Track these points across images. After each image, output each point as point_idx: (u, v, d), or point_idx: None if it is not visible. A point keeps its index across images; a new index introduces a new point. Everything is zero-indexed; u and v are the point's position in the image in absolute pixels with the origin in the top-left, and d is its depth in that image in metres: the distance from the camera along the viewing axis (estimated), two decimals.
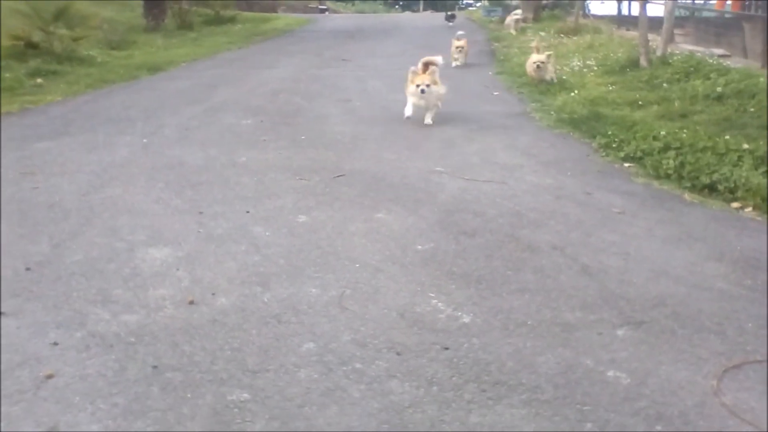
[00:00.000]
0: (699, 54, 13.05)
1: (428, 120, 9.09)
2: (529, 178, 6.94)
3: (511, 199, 6.24)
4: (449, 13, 29.86)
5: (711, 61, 12.07)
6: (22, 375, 3.39)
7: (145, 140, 8.23)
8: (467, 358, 3.65)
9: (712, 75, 10.83)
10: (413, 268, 4.76)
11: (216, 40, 20.10)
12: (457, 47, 15.48)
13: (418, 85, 8.85)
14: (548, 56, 12.24)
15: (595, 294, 4.45)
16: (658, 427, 3.15)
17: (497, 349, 3.76)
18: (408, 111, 9.07)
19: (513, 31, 20.72)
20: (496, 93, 11.90)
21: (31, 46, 13.53)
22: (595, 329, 4.00)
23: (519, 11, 20.70)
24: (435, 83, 8.99)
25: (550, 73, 12.18)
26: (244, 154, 7.60)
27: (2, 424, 3.02)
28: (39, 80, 11.95)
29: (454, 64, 15.09)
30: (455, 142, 8.36)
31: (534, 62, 12.10)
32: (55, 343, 3.68)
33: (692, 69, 11.46)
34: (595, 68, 13.34)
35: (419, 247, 5.12)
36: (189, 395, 3.23)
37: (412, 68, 9.11)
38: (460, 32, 16.24)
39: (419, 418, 3.10)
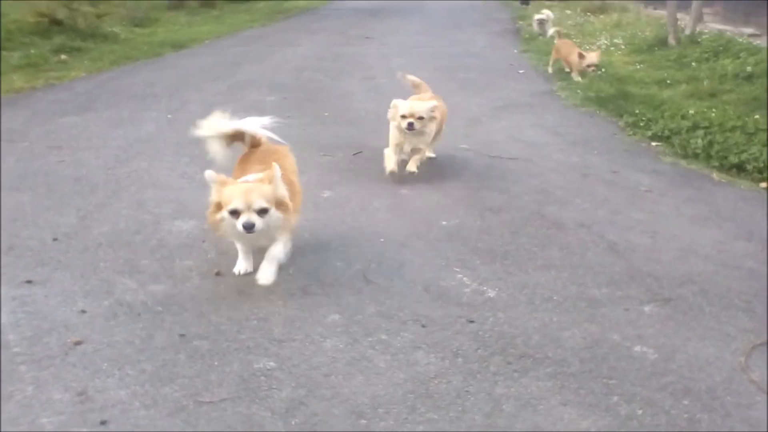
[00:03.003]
0: (728, 33, 12.82)
1: (412, 167, 5.94)
2: (556, 156, 6.87)
3: (537, 176, 6.19)
4: None
5: (740, 40, 11.86)
6: (51, 341, 3.43)
7: (169, 116, 8.25)
8: (492, 331, 3.64)
9: (741, 54, 10.64)
10: (438, 243, 4.75)
11: (239, 18, 20.06)
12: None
13: (403, 116, 5.73)
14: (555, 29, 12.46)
15: (622, 271, 4.41)
16: (686, 402, 3.13)
17: (523, 323, 3.74)
18: (389, 163, 5.96)
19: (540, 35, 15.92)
20: (521, 71, 11.78)
21: (56, 22, 13.58)
22: (621, 305, 3.97)
23: (545, 11, 16.11)
24: (431, 117, 5.83)
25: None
26: (268, 130, 7.57)
27: (30, 389, 3.06)
28: (63, 57, 12.00)
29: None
30: (480, 120, 8.30)
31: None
32: (83, 311, 3.71)
33: (721, 48, 11.26)
34: (623, 47, 13.16)
35: (444, 222, 5.10)
36: (216, 363, 3.25)
37: (395, 101, 5.87)
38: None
39: (445, 389, 3.10)
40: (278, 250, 3.98)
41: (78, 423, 2.85)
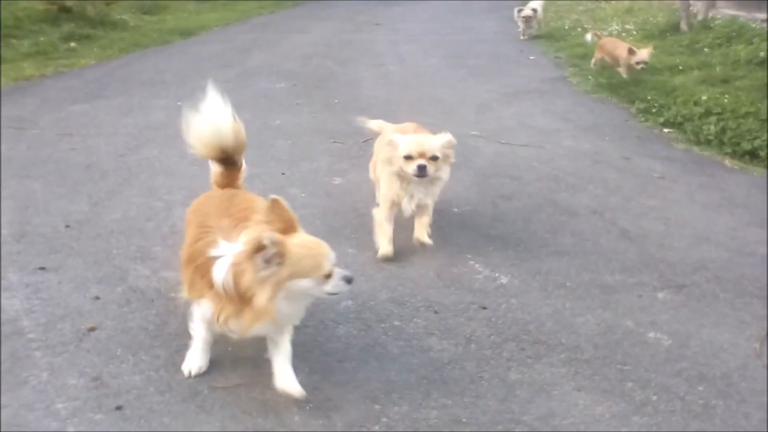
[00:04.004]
0: (741, 18, 12.68)
1: (423, 235, 4.29)
2: (567, 142, 6.84)
3: (548, 163, 6.16)
4: None
5: (754, 25, 11.71)
6: (65, 327, 3.44)
7: (179, 103, 8.22)
8: (505, 317, 3.63)
9: (754, 40, 10.52)
10: (450, 230, 4.73)
11: (247, 5, 19.98)
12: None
13: (409, 157, 4.08)
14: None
15: (635, 257, 4.39)
16: (701, 388, 3.12)
17: (536, 309, 3.73)
18: (383, 242, 4.29)
19: (524, 35, 13.78)
20: (532, 57, 11.70)
21: (65, 10, 13.55)
22: (635, 292, 3.96)
23: (533, 3, 13.59)
24: (447, 156, 4.24)
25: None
26: (278, 118, 7.58)
27: (45, 374, 3.08)
28: (73, 44, 11.99)
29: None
30: (491, 106, 8.25)
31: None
32: (97, 298, 3.72)
33: (734, 34, 11.14)
34: (635, 33, 13.04)
35: (456, 210, 5.08)
36: (230, 348, 3.25)
37: (393, 136, 4.22)
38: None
39: (458, 374, 3.10)
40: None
41: (93, 408, 2.87)
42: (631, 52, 9.36)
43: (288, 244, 2.58)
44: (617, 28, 13.52)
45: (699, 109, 7.42)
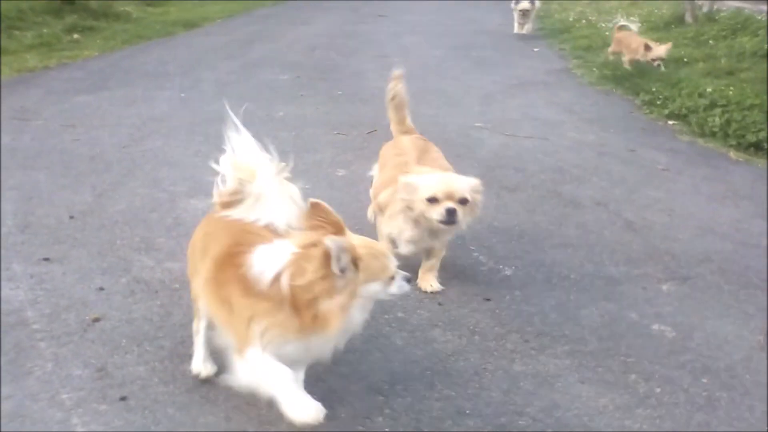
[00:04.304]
0: (746, 11, 12.63)
1: (432, 281, 3.79)
2: (571, 134, 6.82)
3: (552, 154, 6.15)
4: None
5: (759, 17, 11.67)
6: (69, 318, 3.44)
7: (183, 95, 8.23)
8: (509, 309, 3.63)
9: (760, 32, 10.49)
10: None
11: None
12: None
13: (433, 200, 3.48)
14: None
15: (640, 249, 4.39)
16: (704, 380, 3.11)
17: (540, 301, 3.73)
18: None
19: (521, 29, 13.03)
20: (536, 49, 11.68)
21: (68, 1, 13.54)
22: (639, 284, 3.95)
23: None
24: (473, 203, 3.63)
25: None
26: (282, 109, 7.57)
27: (50, 365, 3.08)
28: (76, 36, 11.98)
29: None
30: (495, 98, 8.24)
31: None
32: (101, 288, 3.72)
33: (739, 26, 11.11)
34: (639, 25, 12.99)
35: None
36: None
37: (409, 179, 3.62)
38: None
39: (462, 366, 3.09)
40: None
41: (97, 399, 2.87)
42: (647, 48, 9.17)
43: (358, 248, 2.40)
44: (622, 20, 13.47)
45: (704, 101, 7.41)
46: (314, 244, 2.34)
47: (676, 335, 3.45)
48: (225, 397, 2.88)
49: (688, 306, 3.73)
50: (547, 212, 4.91)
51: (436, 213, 3.44)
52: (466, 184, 3.54)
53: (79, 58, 10.47)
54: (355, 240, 2.48)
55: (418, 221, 3.58)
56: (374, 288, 2.45)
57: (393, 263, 2.50)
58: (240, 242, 2.54)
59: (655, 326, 3.52)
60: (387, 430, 2.76)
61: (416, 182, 3.54)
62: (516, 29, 12.89)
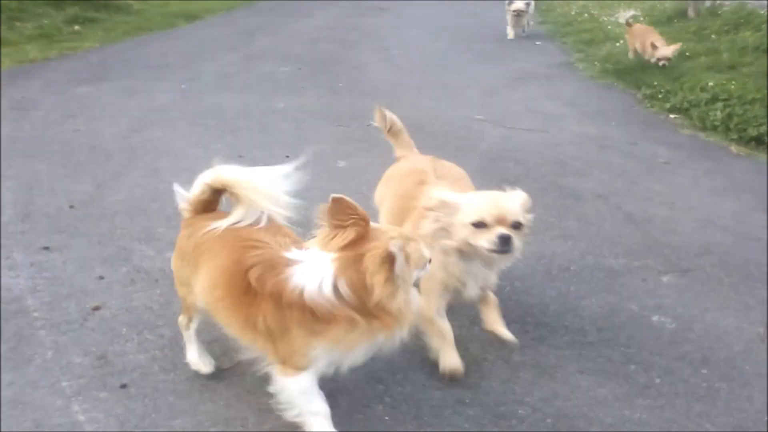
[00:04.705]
0: (749, 5, 12.59)
1: (505, 330, 3.12)
2: (573, 127, 6.82)
3: (554, 147, 6.14)
4: None
5: (762, 12, 11.63)
6: (70, 306, 3.45)
7: (183, 86, 8.22)
8: (510, 300, 3.63)
9: (762, 27, 10.45)
10: None
11: None
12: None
13: (480, 224, 2.82)
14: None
15: (640, 242, 4.38)
16: (704, 371, 3.11)
17: (540, 292, 3.73)
18: (449, 358, 3.02)
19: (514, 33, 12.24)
20: (538, 42, 11.65)
21: None
22: (639, 275, 3.95)
23: None
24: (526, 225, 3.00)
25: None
26: (283, 101, 7.56)
27: (50, 352, 3.09)
28: (77, 27, 11.96)
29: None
30: (496, 91, 8.23)
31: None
32: (101, 277, 3.73)
33: (742, 21, 11.06)
34: (641, 19, 12.94)
35: None
36: None
37: (443, 195, 2.93)
38: None
39: (462, 356, 3.08)
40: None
41: (98, 386, 2.88)
42: (653, 47, 8.96)
43: (408, 243, 2.36)
44: (624, 14, 13.44)
45: (705, 95, 7.40)
46: (361, 249, 2.28)
47: (676, 326, 3.45)
48: (225, 385, 2.89)
49: (689, 298, 3.73)
50: (548, 204, 4.90)
51: (486, 241, 2.78)
52: (517, 204, 2.95)
53: (79, 49, 10.46)
54: (393, 232, 2.42)
55: (468, 253, 2.88)
56: (415, 274, 2.42)
57: (426, 249, 2.46)
58: (246, 255, 2.44)
59: (655, 317, 3.52)
60: (387, 418, 2.77)
61: (456, 200, 2.88)
62: (510, 34, 12.08)
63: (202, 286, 2.59)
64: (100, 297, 3.54)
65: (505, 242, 2.77)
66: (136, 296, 3.54)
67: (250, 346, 2.53)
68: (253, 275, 2.37)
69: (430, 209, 2.90)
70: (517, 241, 2.83)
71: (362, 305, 2.29)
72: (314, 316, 2.29)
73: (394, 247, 2.24)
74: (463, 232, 2.83)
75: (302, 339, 2.35)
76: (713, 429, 2.78)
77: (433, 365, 3.05)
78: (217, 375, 2.95)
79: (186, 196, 2.87)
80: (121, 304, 3.47)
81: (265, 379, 2.91)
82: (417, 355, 3.13)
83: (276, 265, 2.37)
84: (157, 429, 2.67)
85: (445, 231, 2.88)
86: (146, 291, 3.59)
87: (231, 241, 2.55)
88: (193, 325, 2.92)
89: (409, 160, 3.72)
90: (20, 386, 2.86)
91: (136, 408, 2.77)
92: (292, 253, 2.42)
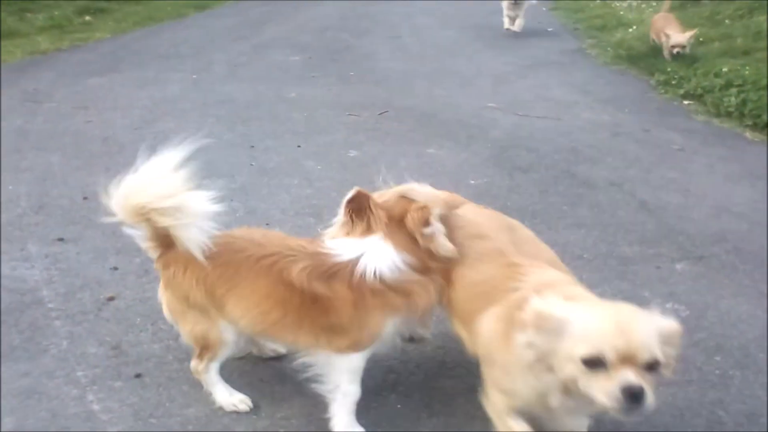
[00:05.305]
0: None
1: None
2: (585, 114, 6.77)
3: (566, 135, 6.11)
4: None
5: None
6: (84, 297, 3.48)
7: (195, 76, 8.23)
8: None
9: None
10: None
11: None
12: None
13: (595, 362, 1.93)
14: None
15: (654, 229, 4.36)
16: (717, 358, 3.10)
17: None
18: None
19: (510, 24, 11.13)
20: (550, 29, 11.57)
21: None
22: (653, 263, 3.93)
23: None
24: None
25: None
26: (294, 90, 7.55)
27: (65, 343, 3.11)
28: (87, 18, 12.01)
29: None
30: (508, 79, 8.18)
31: None
32: (115, 268, 3.75)
33: (756, 5, 10.93)
34: (654, 4, 12.84)
35: (472, 181, 5.06)
36: None
37: (541, 310, 2.02)
38: None
39: None
40: None
41: (113, 376, 2.90)
42: (666, 36, 8.64)
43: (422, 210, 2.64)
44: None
45: (719, 81, 7.32)
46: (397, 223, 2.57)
47: (690, 314, 3.43)
48: (239, 375, 2.91)
49: (702, 285, 3.71)
50: (561, 192, 4.88)
51: (604, 392, 1.92)
52: (653, 331, 2.02)
53: (90, 40, 10.50)
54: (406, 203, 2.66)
55: (568, 387, 2.04)
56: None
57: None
58: (286, 270, 2.47)
59: (669, 305, 3.50)
60: (399, 406, 2.78)
61: (563, 317, 2.02)
62: (506, 24, 11.09)
63: (247, 315, 2.53)
64: (114, 288, 3.56)
65: (635, 399, 1.90)
66: (150, 287, 3.55)
67: (307, 348, 2.56)
68: (313, 285, 2.42)
69: (533, 328, 2.04)
70: (650, 394, 1.92)
71: (424, 266, 2.51)
72: (395, 292, 2.45)
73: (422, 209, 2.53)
74: (570, 369, 1.98)
75: (380, 319, 2.47)
76: (726, 416, 2.77)
77: (446, 354, 3.05)
78: (231, 364, 2.96)
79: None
80: (134, 295, 3.49)
81: (279, 369, 2.93)
82: (429, 343, 3.13)
83: (323, 266, 2.46)
84: (171, 418, 2.69)
85: (543, 359, 2.05)
86: (159, 282, 3.60)
87: (254, 262, 2.56)
88: (216, 364, 2.71)
89: (466, 214, 2.91)
90: (36, 376, 2.88)
91: (151, 397, 2.79)
92: (329, 248, 2.52)
